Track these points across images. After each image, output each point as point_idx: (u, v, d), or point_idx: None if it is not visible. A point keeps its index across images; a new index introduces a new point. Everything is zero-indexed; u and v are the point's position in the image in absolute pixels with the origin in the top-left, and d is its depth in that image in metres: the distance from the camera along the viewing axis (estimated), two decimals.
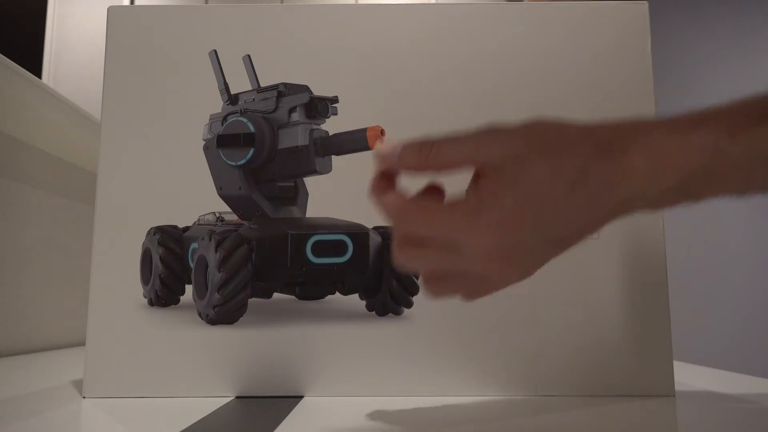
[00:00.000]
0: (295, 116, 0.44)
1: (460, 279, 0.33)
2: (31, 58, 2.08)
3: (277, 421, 0.34)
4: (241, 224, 0.44)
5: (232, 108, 0.45)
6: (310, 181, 0.44)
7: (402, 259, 0.33)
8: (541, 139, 0.31)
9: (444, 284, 0.33)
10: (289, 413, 0.36)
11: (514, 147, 0.31)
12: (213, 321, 0.42)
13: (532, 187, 0.30)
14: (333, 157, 0.44)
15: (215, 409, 0.37)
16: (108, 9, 0.45)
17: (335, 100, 0.44)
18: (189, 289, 0.44)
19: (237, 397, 0.41)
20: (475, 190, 0.31)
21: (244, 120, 0.44)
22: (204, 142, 0.44)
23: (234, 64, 0.44)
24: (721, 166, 0.30)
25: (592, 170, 0.30)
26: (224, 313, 0.42)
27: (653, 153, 0.30)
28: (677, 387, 0.42)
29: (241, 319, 0.42)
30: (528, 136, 0.31)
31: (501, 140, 0.31)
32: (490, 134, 0.31)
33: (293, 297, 0.44)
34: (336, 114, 0.44)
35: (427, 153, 0.33)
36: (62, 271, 0.74)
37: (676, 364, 0.44)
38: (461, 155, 0.32)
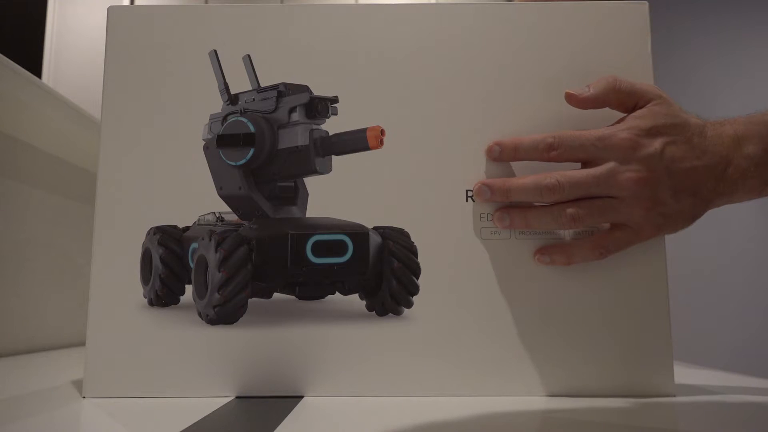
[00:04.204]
0: (295, 116, 0.44)
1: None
2: (31, 58, 2.08)
3: (277, 421, 0.34)
4: (241, 224, 0.44)
5: (232, 108, 0.45)
6: (310, 181, 0.44)
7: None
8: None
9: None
10: (289, 413, 0.36)
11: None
12: (213, 321, 0.42)
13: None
14: (333, 157, 0.44)
15: (215, 409, 0.37)
16: (108, 9, 0.45)
17: (335, 100, 0.44)
18: (189, 289, 0.44)
19: (237, 397, 0.41)
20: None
21: (244, 120, 0.44)
22: (204, 142, 0.44)
23: (234, 64, 0.44)
24: None
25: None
26: (224, 313, 0.42)
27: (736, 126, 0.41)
28: (677, 387, 0.42)
29: (241, 319, 0.42)
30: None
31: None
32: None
33: (293, 297, 0.44)
34: (336, 114, 0.44)
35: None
36: (62, 271, 0.74)
37: (677, 364, 0.44)
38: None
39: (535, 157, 0.42)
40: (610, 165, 0.40)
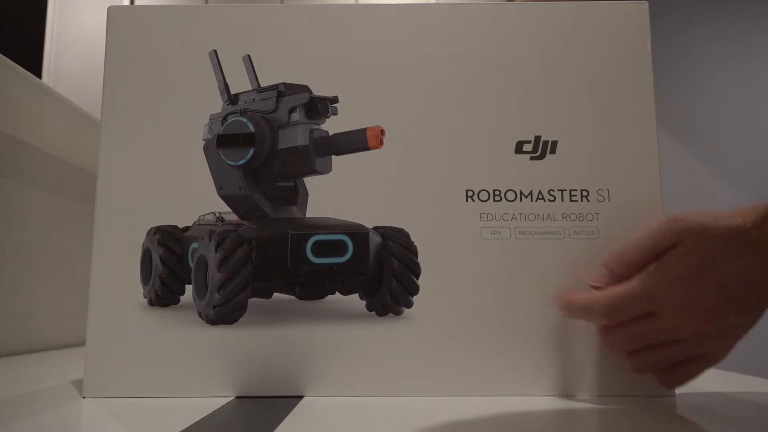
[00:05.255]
0: (295, 116, 0.44)
1: (664, 347, 0.39)
2: (31, 58, 2.08)
3: (277, 421, 0.34)
4: (241, 224, 0.44)
5: (232, 108, 0.45)
6: (310, 181, 0.44)
7: (612, 345, 0.40)
8: (710, 215, 0.37)
9: (651, 355, 0.39)
10: (289, 413, 0.36)
11: (689, 225, 0.37)
12: (213, 321, 0.42)
13: (711, 248, 0.36)
14: (333, 157, 0.44)
15: (215, 409, 0.37)
16: (108, 9, 0.45)
17: (335, 100, 0.44)
18: (189, 289, 0.44)
19: (237, 397, 0.41)
20: (659, 261, 0.37)
21: (244, 120, 0.44)
22: (204, 142, 0.44)
23: (234, 64, 0.44)
24: None
25: (757, 232, 0.35)
26: (224, 313, 0.42)
27: None
28: (677, 387, 0.42)
29: (241, 319, 0.42)
30: (694, 216, 0.37)
31: (676, 227, 0.37)
32: (665, 229, 0.37)
33: (293, 297, 0.44)
34: (336, 114, 0.44)
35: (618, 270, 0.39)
36: (62, 271, 0.74)
37: None
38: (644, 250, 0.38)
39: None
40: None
